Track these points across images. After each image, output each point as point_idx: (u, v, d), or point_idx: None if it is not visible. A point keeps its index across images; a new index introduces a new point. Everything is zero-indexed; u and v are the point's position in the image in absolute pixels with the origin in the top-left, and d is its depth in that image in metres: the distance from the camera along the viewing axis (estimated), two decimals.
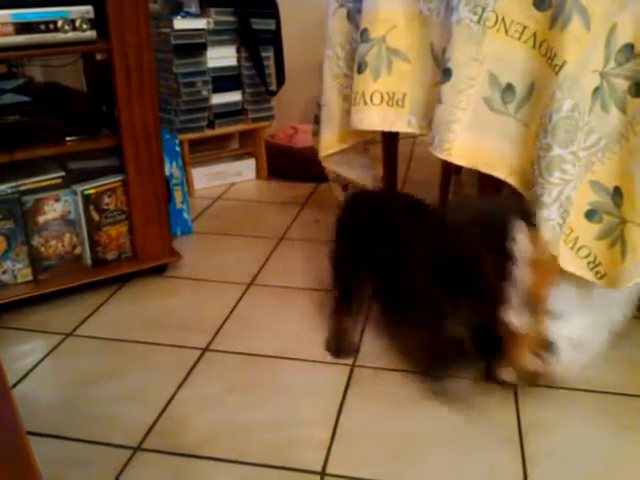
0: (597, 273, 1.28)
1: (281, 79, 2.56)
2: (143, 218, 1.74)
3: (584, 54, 1.20)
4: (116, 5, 1.56)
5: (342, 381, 1.37)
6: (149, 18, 1.64)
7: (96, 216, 1.70)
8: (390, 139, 1.95)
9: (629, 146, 1.24)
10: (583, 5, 1.18)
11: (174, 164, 2.06)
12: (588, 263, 1.29)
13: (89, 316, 1.62)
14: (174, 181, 2.06)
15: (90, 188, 1.68)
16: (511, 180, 1.35)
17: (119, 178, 1.71)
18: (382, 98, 1.53)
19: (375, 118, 1.55)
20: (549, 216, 1.25)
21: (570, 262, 1.29)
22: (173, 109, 2.37)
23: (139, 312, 1.65)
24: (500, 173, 1.36)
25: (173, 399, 1.32)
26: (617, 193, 1.27)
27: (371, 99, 1.53)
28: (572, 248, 1.29)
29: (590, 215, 1.29)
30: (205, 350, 1.48)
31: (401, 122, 1.54)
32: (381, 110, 1.54)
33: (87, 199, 1.67)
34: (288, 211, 2.30)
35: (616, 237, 1.27)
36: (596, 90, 1.23)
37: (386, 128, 1.57)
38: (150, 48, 1.64)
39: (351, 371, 1.40)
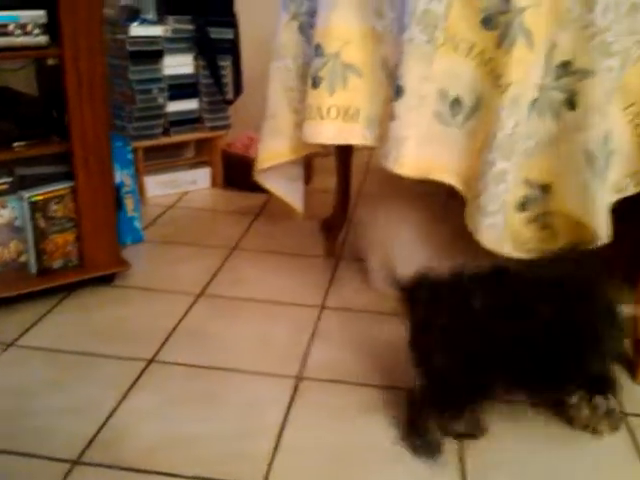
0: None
1: (239, 88, 2.55)
2: (91, 226, 1.72)
3: (527, 73, 1.27)
4: (69, 10, 1.54)
5: (287, 394, 1.37)
6: (103, 24, 1.63)
7: (43, 223, 1.67)
8: (344, 150, 1.96)
9: (561, 152, 1.33)
10: (527, 27, 1.24)
11: (125, 172, 2.04)
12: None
13: (32, 326, 1.59)
14: (125, 189, 2.04)
15: (37, 194, 1.66)
16: (459, 186, 1.42)
17: (68, 185, 1.69)
18: (338, 112, 1.54)
19: (331, 132, 1.55)
20: (495, 222, 1.36)
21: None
22: (127, 116, 2.35)
23: (84, 322, 1.62)
24: (448, 178, 1.42)
25: (115, 412, 1.30)
26: (545, 189, 1.38)
27: (328, 113, 1.54)
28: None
29: (521, 206, 1.40)
30: (150, 362, 1.47)
31: (357, 136, 1.55)
32: (337, 124, 1.55)
33: (34, 206, 1.65)
34: (241, 221, 2.29)
35: (546, 223, 1.40)
36: (534, 102, 1.31)
37: (342, 141, 1.58)
38: (103, 54, 1.63)
39: (296, 384, 1.41)
